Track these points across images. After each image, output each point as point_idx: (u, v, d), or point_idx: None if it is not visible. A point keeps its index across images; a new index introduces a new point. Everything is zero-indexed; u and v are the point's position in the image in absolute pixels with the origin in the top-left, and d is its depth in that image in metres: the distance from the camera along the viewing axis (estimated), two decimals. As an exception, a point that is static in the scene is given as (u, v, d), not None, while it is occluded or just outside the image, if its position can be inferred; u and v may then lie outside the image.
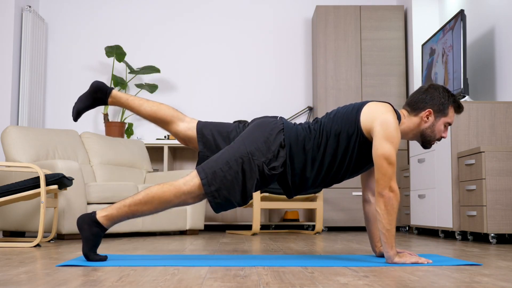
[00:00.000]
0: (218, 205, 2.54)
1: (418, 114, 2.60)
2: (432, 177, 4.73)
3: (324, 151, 2.56)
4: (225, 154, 2.55)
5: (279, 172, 2.55)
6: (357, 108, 2.56)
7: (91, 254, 2.49)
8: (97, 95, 2.78)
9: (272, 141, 2.54)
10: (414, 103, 2.61)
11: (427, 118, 2.59)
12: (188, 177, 2.53)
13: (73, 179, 3.98)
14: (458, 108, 2.63)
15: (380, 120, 2.47)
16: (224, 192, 2.51)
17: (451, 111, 2.61)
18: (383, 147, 2.43)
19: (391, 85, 6.30)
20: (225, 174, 2.50)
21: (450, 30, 4.90)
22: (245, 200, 2.57)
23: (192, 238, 4.64)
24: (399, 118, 2.59)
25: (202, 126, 2.76)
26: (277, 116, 2.69)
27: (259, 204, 5.21)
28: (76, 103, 2.79)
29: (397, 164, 6.23)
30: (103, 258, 2.51)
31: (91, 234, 2.49)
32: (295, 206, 5.31)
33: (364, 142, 2.53)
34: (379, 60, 6.33)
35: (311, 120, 6.86)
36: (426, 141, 2.64)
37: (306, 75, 6.77)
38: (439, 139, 2.64)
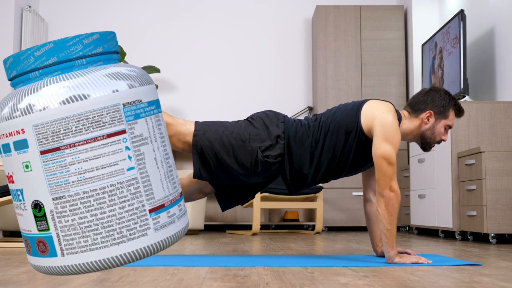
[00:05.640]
0: (199, 163, 2.53)
1: (419, 115, 2.61)
2: (432, 177, 4.73)
3: (322, 147, 2.57)
4: (227, 124, 2.57)
5: (273, 162, 2.55)
6: (357, 106, 2.57)
7: None
8: None
9: (271, 131, 2.56)
10: (415, 104, 2.62)
11: (428, 119, 2.60)
12: (189, 122, 2.58)
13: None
14: (459, 112, 2.65)
15: (379, 120, 2.48)
16: (208, 152, 2.52)
17: (451, 114, 2.63)
18: (383, 147, 2.44)
19: (391, 85, 6.30)
20: (217, 137, 2.53)
21: (450, 29, 4.90)
22: (227, 174, 2.55)
23: (192, 238, 4.64)
24: (399, 118, 2.60)
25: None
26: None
27: (259, 204, 5.21)
28: None
29: (397, 164, 6.24)
30: None
31: None
32: (295, 206, 5.31)
33: (364, 140, 2.54)
34: (379, 60, 6.33)
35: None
36: (426, 143, 2.65)
37: (306, 75, 6.78)
38: (438, 142, 2.65)
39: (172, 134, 2.53)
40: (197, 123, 2.56)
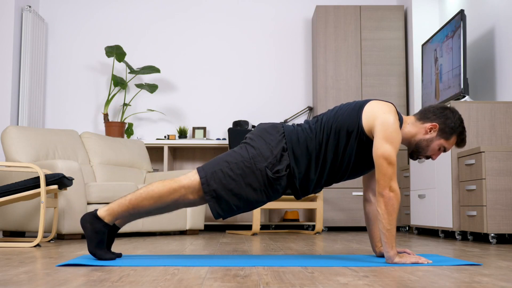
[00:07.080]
0: (217, 206, 2.53)
1: (424, 123, 2.60)
2: (432, 177, 4.73)
3: (326, 148, 2.56)
4: (227, 157, 2.55)
5: (284, 174, 2.54)
6: (359, 106, 2.56)
7: (97, 251, 2.49)
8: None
9: (274, 146, 2.54)
10: (426, 112, 2.62)
11: (430, 130, 2.59)
12: (189, 173, 2.56)
13: (73, 179, 3.98)
14: (461, 142, 2.63)
15: (380, 120, 2.47)
16: (222, 193, 2.50)
17: (453, 139, 2.61)
18: (383, 147, 2.43)
19: (391, 85, 6.30)
20: (224, 175, 2.50)
21: (450, 30, 4.90)
22: (248, 205, 2.56)
23: (192, 238, 4.64)
24: (400, 120, 2.60)
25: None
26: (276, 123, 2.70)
27: (259, 204, 5.21)
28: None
29: (397, 164, 6.24)
30: (112, 257, 2.50)
31: (93, 230, 2.50)
32: (295, 206, 5.31)
33: (365, 140, 2.53)
34: (379, 60, 6.33)
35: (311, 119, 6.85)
36: (416, 152, 2.63)
37: (306, 75, 6.77)
38: (427, 157, 2.64)
39: (182, 193, 2.52)
40: (199, 170, 2.54)
